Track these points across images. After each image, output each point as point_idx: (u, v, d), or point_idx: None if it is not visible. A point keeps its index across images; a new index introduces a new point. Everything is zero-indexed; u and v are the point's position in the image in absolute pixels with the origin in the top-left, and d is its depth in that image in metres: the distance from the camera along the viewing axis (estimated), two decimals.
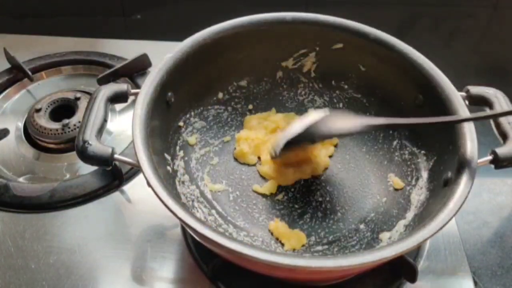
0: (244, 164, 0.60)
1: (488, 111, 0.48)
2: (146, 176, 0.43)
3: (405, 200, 0.54)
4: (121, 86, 0.55)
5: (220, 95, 0.61)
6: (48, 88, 0.73)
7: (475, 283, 0.52)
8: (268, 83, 0.63)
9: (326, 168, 0.59)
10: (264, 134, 0.61)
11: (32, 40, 0.80)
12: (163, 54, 0.53)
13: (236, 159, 0.60)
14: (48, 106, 0.67)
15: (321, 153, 0.59)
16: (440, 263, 0.53)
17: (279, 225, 0.53)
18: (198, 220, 0.41)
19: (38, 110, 0.66)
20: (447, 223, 0.41)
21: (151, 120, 0.48)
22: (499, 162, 0.48)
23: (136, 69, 0.72)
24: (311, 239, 0.53)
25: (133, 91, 0.54)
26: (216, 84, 0.60)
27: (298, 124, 0.53)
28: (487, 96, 0.52)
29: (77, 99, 0.67)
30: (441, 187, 0.47)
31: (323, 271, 0.42)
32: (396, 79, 0.57)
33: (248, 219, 0.55)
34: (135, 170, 0.60)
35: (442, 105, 0.51)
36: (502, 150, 0.48)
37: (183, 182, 0.54)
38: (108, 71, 0.71)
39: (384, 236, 0.51)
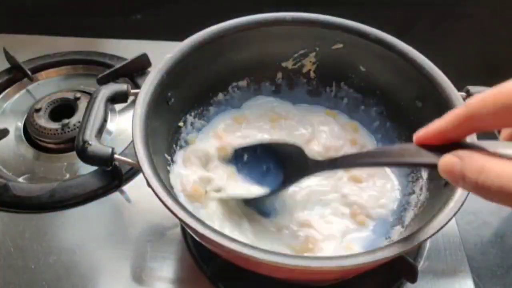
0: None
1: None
2: (146, 176, 0.43)
3: (405, 200, 0.54)
4: (121, 86, 0.55)
5: (220, 95, 0.61)
6: (48, 88, 0.73)
7: (475, 283, 0.52)
8: (268, 83, 0.63)
9: None
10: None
11: (32, 40, 0.80)
12: (163, 54, 0.53)
13: None
14: (48, 106, 0.67)
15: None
16: (440, 263, 0.53)
17: None
18: (198, 220, 0.41)
19: (37, 110, 0.66)
20: (447, 223, 0.41)
21: (151, 120, 0.48)
22: None
23: (136, 69, 0.72)
24: None
25: (133, 91, 0.54)
26: (216, 84, 0.60)
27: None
28: None
29: (77, 99, 0.67)
30: (441, 187, 0.47)
31: (323, 271, 0.42)
32: (396, 79, 0.57)
33: None
34: (135, 170, 0.60)
35: (442, 105, 0.51)
36: None
37: None
38: (108, 71, 0.71)
39: None
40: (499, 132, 0.45)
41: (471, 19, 0.83)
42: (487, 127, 0.32)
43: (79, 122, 0.64)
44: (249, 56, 0.60)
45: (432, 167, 0.33)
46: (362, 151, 0.46)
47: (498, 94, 0.30)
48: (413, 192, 0.53)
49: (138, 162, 0.44)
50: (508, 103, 0.30)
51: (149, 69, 0.73)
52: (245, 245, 0.39)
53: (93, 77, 0.72)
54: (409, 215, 0.51)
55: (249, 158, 0.53)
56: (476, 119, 0.32)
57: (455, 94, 0.50)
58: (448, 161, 0.32)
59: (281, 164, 0.51)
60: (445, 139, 0.34)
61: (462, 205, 0.42)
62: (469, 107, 0.32)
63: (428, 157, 0.34)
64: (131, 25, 0.90)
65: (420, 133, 0.35)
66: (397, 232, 0.50)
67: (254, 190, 0.51)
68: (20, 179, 0.61)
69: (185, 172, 0.53)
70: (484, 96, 0.31)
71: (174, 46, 0.54)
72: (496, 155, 0.30)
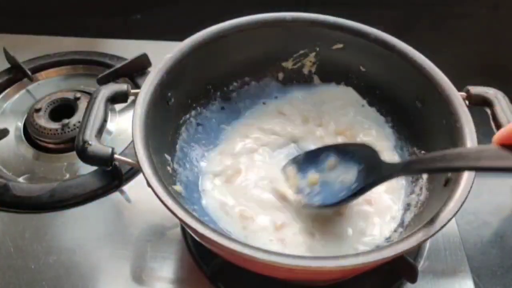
0: None
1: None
2: (146, 176, 0.43)
3: (405, 201, 0.54)
4: (121, 86, 0.55)
5: (220, 95, 0.61)
6: (48, 88, 0.73)
7: (475, 283, 0.52)
8: (268, 83, 0.63)
9: None
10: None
11: (32, 40, 0.80)
12: (163, 54, 0.53)
13: None
14: (48, 106, 0.67)
15: None
16: (440, 263, 0.53)
17: None
18: (198, 220, 0.41)
19: (37, 110, 0.66)
20: (447, 223, 0.41)
21: (151, 120, 0.48)
22: None
23: (136, 69, 0.72)
24: None
25: (133, 91, 0.54)
26: (216, 84, 0.60)
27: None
28: (487, 96, 0.52)
29: (77, 99, 0.67)
30: (441, 187, 0.47)
31: (323, 271, 0.42)
32: (396, 79, 0.57)
33: None
34: (135, 170, 0.60)
35: (442, 105, 0.51)
36: None
37: None
38: (108, 71, 0.71)
39: None
40: None
41: (471, 19, 0.83)
42: None
43: (79, 122, 0.64)
44: (249, 56, 0.60)
45: None
46: (437, 153, 0.42)
47: None
48: (413, 192, 0.53)
49: (138, 162, 0.44)
50: None
51: (149, 69, 0.73)
52: (245, 245, 0.39)
53: (93, 77, 0.72)
54: (409, 215, 0.51)
55: (318, 162, 0.51)
56: None
57: (455, 94, 0.50)
58: None
59: (351, 168, 0.48)
60: None
61: (462, 205, 0.42)
62: None
63: (510, 160, 0.31)
64: (131, 25, 0.90)
65: (500, 132, 0.32)
66: (397, 232, 0.50)
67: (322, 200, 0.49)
68: (20, 179, 0.61)
69: None
70: None
71: (174, 46, 0.54)
72: None
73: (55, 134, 0.64)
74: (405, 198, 0.53)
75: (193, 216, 0.41)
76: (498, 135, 0.32)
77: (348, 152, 0.49)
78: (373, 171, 0.45)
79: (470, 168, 0.39)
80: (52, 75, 0.75)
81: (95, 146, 0.49)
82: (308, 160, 0.53)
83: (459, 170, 0.41)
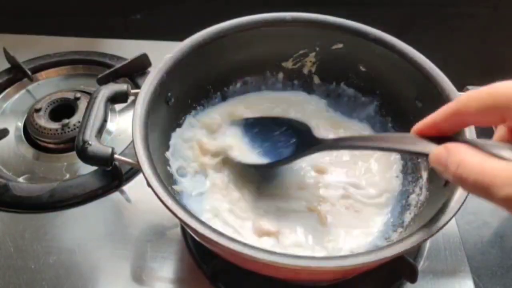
0: None
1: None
2: (146, 176, 0.43)
3: (405, 200, 0.54)
4: (121, 86, 0.55)
5: (220, 95, 0.61)
6: (47, 88, 0.73)
7: (475, 283, 0.52)
8: (268, 83, 0.63)
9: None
10: None
11: (32, 40, 0.80)
12: (163, 54, 0.53)
13: None
14: (48, 106, 0.67)
15: None
16: (440, 263, 0.53)
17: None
18: (198, 220, 0.41)
19: (37, 110, 0.66)
20: (447, 223, 0.41)
21: (151, 120, 0.48)
22: None
23: (136, 69, 0.72)
24: None
25: (133, 91, 0.54)
26: (216, 84, 0.60)
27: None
28: None
29: (77, 99, 0.67)
30: (441, 187, 0.47)
31: (323, 271, 0.42)
32: (396, 79, 0.57)
33: None
34: (135, 170, 0.60)
35: (442, 105, 0.50)
36: None
37: None
38: (108, 71, 0.71)
39: None
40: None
41: (471, 19, 0.83)
42: (473, 123, 0.36)
43: (79, 122, 0.64)
44: (249, 56, 0.60)
45: (425, 156, 0.36)
46: (364, 135, 0.49)
47: (484, 94, 0.32)
48: (413, 192, 0.53)
49: (138, 162, 0.44)
50: (491, 104, 0.32)
51: (149, 69, 0.73)
52: (245, 245, 0.39)
53: (93, 77, 0.72)
54: (409, 215, 0.51)
55: (258, 129, 0.55)
56: (462, 114, 0.34)
57: (455, 94, 0.50)
58: (437, 151, 0.34)
59: (288, 139, 0.53)
60: (438, 131, 0.36)
61: (462, 205, 0.42)
62: (458, 102, 0.34)
63: (422, 147, 0.37)
64: (131, 25, 0.90)
65: (417, 124, 0.38)
66: (397, 232, 0.50)
67: (261, 159, 0.53)
68: (20, 179, 0.61)
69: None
70: (472, 94, 0.33)
71: (174, 46, 0.54)
72: (481, 152, 0.31)
73: (55, 134, 0.64)
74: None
75: (193, 216, 0.41)
76: (415, 126, 0.38)
77: (288, 124, 0.54)
78: (305, 144, 0.51)
79: (390, 149, 0.46)
80: (52, 75, 0.76)
81: (95, 146, 0.49)
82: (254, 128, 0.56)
83: (382, 150, 0.47)
